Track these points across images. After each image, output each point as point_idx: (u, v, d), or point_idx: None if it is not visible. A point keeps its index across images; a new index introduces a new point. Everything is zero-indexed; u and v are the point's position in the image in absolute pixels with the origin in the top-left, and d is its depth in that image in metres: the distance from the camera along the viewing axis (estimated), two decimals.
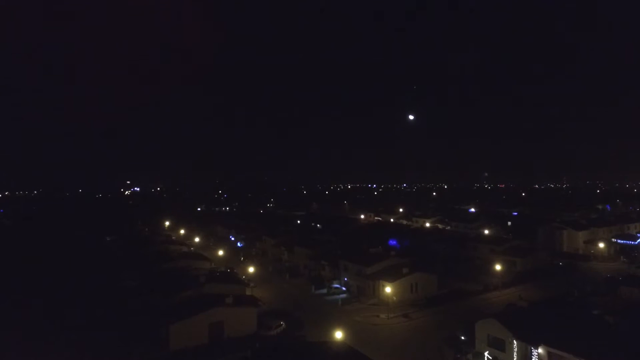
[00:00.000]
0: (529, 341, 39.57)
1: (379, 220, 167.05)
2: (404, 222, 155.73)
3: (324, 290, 69.54)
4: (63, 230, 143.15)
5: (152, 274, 68.33)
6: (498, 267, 74.09)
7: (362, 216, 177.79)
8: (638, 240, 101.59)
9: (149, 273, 68.73)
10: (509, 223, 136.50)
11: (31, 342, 46.45)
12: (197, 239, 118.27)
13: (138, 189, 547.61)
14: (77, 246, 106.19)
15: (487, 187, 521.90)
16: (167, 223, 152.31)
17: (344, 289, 69.68)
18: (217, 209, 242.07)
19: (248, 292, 62.07)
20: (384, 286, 61.96)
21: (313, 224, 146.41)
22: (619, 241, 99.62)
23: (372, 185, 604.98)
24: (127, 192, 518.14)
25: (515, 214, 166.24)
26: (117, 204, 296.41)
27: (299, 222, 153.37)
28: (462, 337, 46.65)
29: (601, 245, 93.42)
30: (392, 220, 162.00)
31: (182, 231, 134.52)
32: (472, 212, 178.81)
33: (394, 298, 60.47)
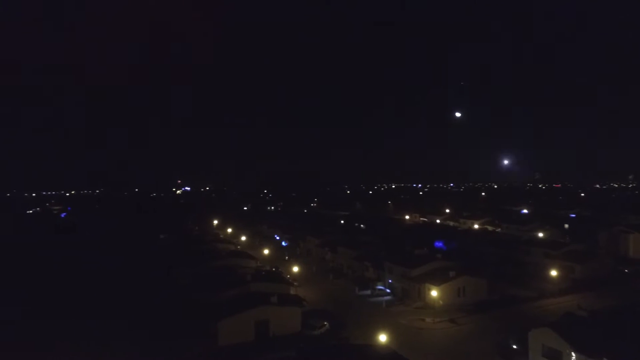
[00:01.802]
0: (589, 354, 36.93)
1: (424, 221, 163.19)
2: (451, 223, 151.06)
3: (368, 292, 69.10)
4: (121, 228, 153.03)
5: (201, 271, 71.23)
6: (554, 272, 69.90)
7: (407, 217, 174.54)
8: None
9: (198, 271, 71.71)
10: (566, 226, 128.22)
11: (87, 334, 50.05)
12: (243, 238, 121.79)
13: (189, 189, 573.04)
14: (133, 243, 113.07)
15: (541, 187, 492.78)
16: (215, 222, 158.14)
17: (388, 290, 68.84)
18: (262, 208, 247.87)
19: (292, 291, 63.09)
20: (429, 289, 60.52)
21: (357, 224, 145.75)
22: None
23: (417, 185, 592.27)
24: (178, 191, 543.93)
25: (573, 215, 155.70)
26: (169, 203, 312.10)
27: (342, 222, 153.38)
28: (514, 346, 44.50)
29: None
30: (438, 221, 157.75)
31: (229, 230, 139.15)
32: (524, 214, 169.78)
33: (440, 302, 58.89)
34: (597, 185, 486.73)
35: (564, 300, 62.43)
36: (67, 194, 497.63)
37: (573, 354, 37.95)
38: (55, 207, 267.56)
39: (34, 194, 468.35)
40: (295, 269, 79.42)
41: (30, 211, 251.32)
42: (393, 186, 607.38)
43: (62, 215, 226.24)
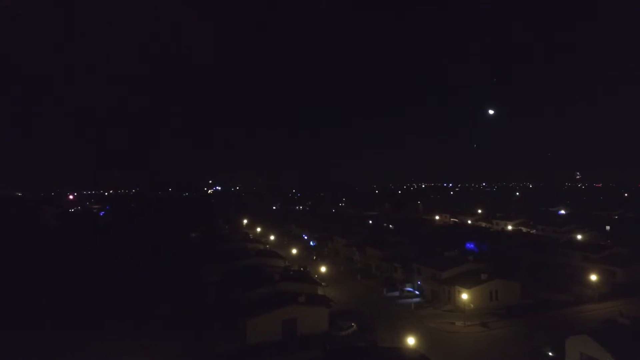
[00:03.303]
0: None
1: (455, 221, 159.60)
2: (483, 224, 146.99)
3: (396, 293, 68.33)
4: (155, 227, 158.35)
5: (231, 270, 72.65)
6: (593, 277, 66.50)
7: (437, 217, 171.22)
8: None
9: (228, 269, 73.19)
10: (608, 227, 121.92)
11: (115, 332, 51.70)
12: (272, 237, 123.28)
13: (219, 188, 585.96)
14: (166, 242, 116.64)
15: (581, 186, 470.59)
16: (245, 221, 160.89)
17: (417, 292, 67.80)
18: (291, 208, 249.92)
19: (320, 291, 63.24)
20: (460, 292, 59.11)
21: (385, 224, 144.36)
22: None
23: (448, 185, 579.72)
24: (209, 191, 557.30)
25: (616, 217, 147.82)
26: (201, 203, 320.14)
27: (371, 222, 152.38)
28: (550, 354, 42.78)
29: None
30: (469, 222, 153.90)
31: (258, 229, 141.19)
32: (562, 215, 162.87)
33: (471, 305, 57.38)
34: None
35: (604, 306, 59.41)
36: (106, 193, 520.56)
37: None
38: (95, 206, 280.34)
39: (75, 193, 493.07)
40: (323, 269, 79.60)
41: (72, 209, 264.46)
42: (423, 185, 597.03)
43: (101, 214, 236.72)
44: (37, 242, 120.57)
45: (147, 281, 74.49)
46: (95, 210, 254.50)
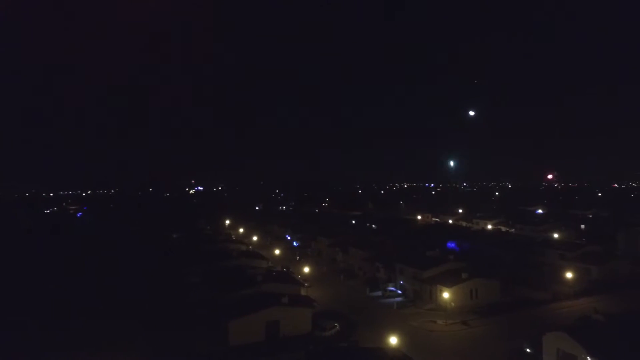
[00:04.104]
0: (605, 359, 36.09)
1: (436, 221, 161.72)
2: (464, 223, 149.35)
3: (379, 293, 68.75)
4: (135, 228, 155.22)
5: (213, 271, 71.78)
6: (569, 274, 68.46)
7: (419, 217, 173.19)
8: None
9: (210, 270, 72.29)
10: (583, 226, 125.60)
11: (97, 332, 50.85)
12: (254, 238, 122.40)
13: (201, 188, 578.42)
14: (147, 243, 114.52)
15: (557, 186, 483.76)
16: (227, 222, 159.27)
17: (399, 292, 68.37)
18: (274, 208, 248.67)
19: (303, 292, 63.11)
20: (441, 291, 59.90)
21: (368, 224, 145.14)
22: None
23: (429, 185, 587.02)
24: (191, 191, 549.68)
25: (590, 216, 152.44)
26: (182, 203, 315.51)
27: (354, 222, 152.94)
28: (528, 350, 43.74)
29: None
30: (450, 221, 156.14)
31: (241, 230, 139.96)
32: (539, 214, 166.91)
33: (452, 304, 58.21)
34: (615, 185, 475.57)
35: (580, 303, 61.20)
36: (84, 194, 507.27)
37: (589, 358, 37.11)
38: (72, 207, 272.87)
39: (51, 194, 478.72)
40: (306, 269, 79.47)
41: (48, 211, 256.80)
42: (405, 186, 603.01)
43: (78, 215, 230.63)
44: (15, 246, 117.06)
45: (127, 283, 73.00)
46: (72, 211, 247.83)
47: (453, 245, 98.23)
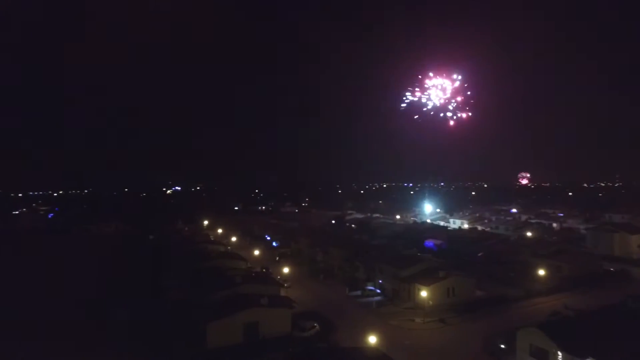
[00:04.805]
0: (575, 353, 37.36)
1: (415, 220, 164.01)
2: (441, 223, 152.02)
3: (359, 292, 69.10)
4: (109, 229, 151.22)
5: (191, 273, 70.63)
6: (542, 272, 70.63)
7: (398, 216, 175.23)
8: None
9: (188, 272, 71.10)
10: (554, 225, 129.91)
11: (72, 338, 49.36)
12: (233, 239, 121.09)
13: (179, 188, 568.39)
14: (123, 245, 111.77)
15: (531, 186, 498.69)
16: (205, 222, 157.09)
17: (378, 291, 68.93)
18: (253, 208, 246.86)
19: (283, 292, 62.81)
20: (419, 289, 60.67)
21: (348, 223, 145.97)
22: None
23: (408, 184, 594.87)
24: (168, 191, 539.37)
25: (561, 215, 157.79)
26: (159, 203, 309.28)
27: (333, 221, 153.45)
28: (502, 346, 44.83)
29: None
30: (428, 220, 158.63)
31: (219, 230, 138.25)
32: (514, 213, 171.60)
33: (430, 302, 59.09)
34: (585, 184, 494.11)
35: (552, 299, 63.20)
36: (55, 194, 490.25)
37: (559, 353, 38.38)
38: (42, 208, 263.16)
39: (20, 194, 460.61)
40: (286, 269, 79.14)
41: (17, 212, 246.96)
42: (384, 185, 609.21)
43: (50, 215, 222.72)
44: None
45: (101, 285, 71.07)
46: (42, 213, 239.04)
47: (431, 244, 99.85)
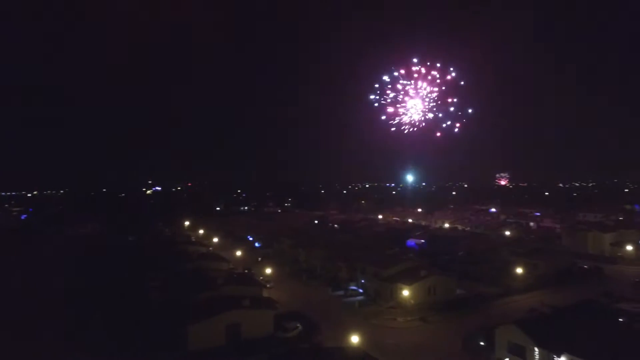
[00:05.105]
0: (551, 349, 38.45)
1: (397, 220, 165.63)
2: (423, 222, 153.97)
3: (341, 292, 69.32)
4: (87, 230, 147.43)
5: (172, 275, 69.50)
6: (520, 270, 72.36)
7: (380, 216, 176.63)
8: None
9: (169, 274, 69.93)
10: (531, 224, 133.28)
11: (54, 340, 47.97)
12: (215, 239, 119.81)
13: (159, 189, 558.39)
14: (101, 246, 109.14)
15: (509, 186, 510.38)
16: (186, 223, 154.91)
17: (360, 291, 69.29)
18: (235, 208, 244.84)
19: (265, 293, 62.48)
20: (401, 289, 61.31)
21: (331, 224, 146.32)
22: None
23: (390, 184, 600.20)
24: (148, 191, 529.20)
25: (538, 214, 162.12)
26: (139, 204, 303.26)
27: (316, 222, 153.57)
28: (482, 343, 45.73)
29: (629, 247, 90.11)
30: (410, 220, 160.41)
31: (201, 231, 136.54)
32: (493, 212, 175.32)
33: (412, 301, 59.79)
34: (560, 185, 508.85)
35: (529, 296, 64.77)
36: (29, 195, 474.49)
37: (536, 349, 39.41)
38: (16, 209, 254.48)
39: None
40: (269, 270, 78.75)
41: None
42: (367, 185, 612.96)
43: (23, 217, 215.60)
44: None
45: (80, 288, 69.25)
46: (15, 213, 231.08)
47: (412, 243, 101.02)
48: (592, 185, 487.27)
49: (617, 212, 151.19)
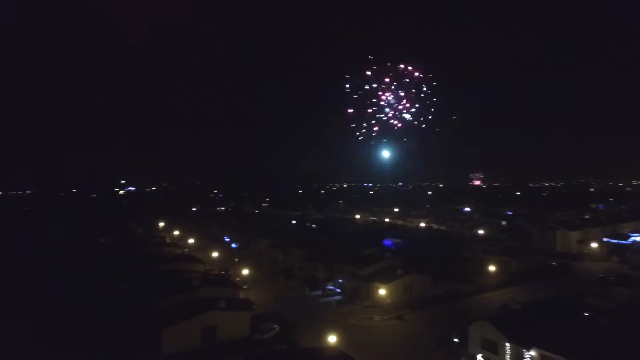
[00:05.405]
0: (522, 344, 39.67)
1: (374, 220, 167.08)
2: (399, 222, 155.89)
3: (319, 292, 69.42)
4: (54, 232, 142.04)
5: (145, 277, 67.85)
6: (492, 267, 74.32)
7: (358, 216, 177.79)
8: (630, 240, 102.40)
9: (142, 276, 68.23)
10: (503, 223, 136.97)
11: (21, 347, 46.00)
12: (191, 240, 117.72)
13: (133, 189, 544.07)
14: (70, 248, 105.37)
15: (483, 186, 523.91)
16: (161, 224, 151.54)
17: (338, 290, 69.54)
18: (212, 209, 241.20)
19: (242, 294, 61.87)
20: (378, 288, 61.92)
21: (308, 224, 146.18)
22: (611, 241, 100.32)
23: (367, 184, 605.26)
24: (121, 191, 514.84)
25: (510, 213, 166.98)
26: (111, 205, 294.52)
27: (294, 222, 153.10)
28: (456, 340, 46.66)
29: (594, 245, 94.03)
30: (387, 220, 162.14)
31: (176, 232, 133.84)
32: (467, 212, 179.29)
33: (388, 300, 60.48)
34: (531, 184, 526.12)
35: (501, 293, 66.67)
36: None
37: (507, 344, 40.56)
38: None
39: None
40: (246, 271, 77.95)
41: None
42: (345, 185, 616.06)
43: None
44: None
45: (49, 292, 66.60)
46: None
47: (389, 243, 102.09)
48: (560, 185, 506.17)
49: (583, 211, 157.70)
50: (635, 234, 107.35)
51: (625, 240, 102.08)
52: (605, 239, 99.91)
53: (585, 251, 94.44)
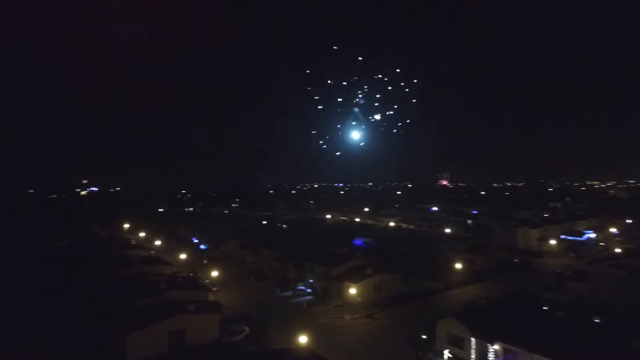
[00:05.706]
0: (486, 338, 41.09)
1: (344, 220, 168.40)
2: (369, 221, 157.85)
3: (290, 293, 69.19)
4: (9, 235, 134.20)
5: (108, 281, 65.32)
6: (459, 265, 76.53)
7: (329, 216, 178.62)
8: (584, 237, 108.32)
9: (105, 280, 65.64)
10: (469, 222, 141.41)
11: None
12: (158, 242, 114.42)
13: (96, 189, 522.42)
14: (26, 251, 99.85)
15: (450, 186, 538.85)
16: (126, 225, 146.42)
17: (309, 290, 69.58)
18: (180, 209, 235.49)
19: (211, 297, 60.70)
20: (348, 287, 62.41)
21: (279, 224, 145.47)
22: (567, 238, 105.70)
23: (338, 184, 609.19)
24: (83, 192, 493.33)
25: (475, 212, 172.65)
26: (72, 206, 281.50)
27: (264, 222, 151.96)
28: (424, 337, 47.71)
29: (552, 242, 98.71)
30: (357, 220, 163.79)
31: (142, 234, 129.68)
32: (434, 211, 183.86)
33: (359, 299, 61.05)
34: (494, 184, 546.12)
35: (467, 290, 68.79)
36: None
37: (472, 339, 41.90)
38: None
39: None
40: (215, 273, 76.62)
41: None
42: (315, 185, 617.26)
43: None
44: None
45: (2, 298, 62.67)
46: None
47: (359, 242, 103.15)
48: (522, 185, 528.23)
49: (542, 210, 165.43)
50: (589, 231, 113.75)
51: (580, 237, 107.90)
52: (562, 236, 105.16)
53: (545, 248, 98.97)
